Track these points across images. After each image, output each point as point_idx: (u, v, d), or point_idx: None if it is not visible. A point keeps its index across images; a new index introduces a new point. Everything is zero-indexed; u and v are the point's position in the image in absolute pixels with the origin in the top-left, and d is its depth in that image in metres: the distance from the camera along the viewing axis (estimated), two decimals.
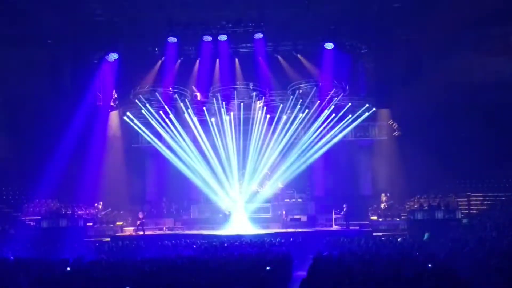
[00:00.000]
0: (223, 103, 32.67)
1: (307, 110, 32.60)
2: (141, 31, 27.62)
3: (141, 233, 30.31)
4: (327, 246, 23.27)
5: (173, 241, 25.88)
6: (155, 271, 15.08)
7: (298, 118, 32.69)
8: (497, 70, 29.60)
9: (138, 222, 30.80)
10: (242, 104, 33.14)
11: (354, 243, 23.24)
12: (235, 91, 32.66)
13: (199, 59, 30.64)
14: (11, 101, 30.77)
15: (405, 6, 26.94)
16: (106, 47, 28.33)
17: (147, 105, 31.98)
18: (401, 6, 26.91)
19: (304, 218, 32.19)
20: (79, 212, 31.99)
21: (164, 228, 32.00)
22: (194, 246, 24.08)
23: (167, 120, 32.48)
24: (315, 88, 32.10)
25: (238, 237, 27.20)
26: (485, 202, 30.76)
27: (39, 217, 31.18)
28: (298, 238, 26.81)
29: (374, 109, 30.90)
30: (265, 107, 33.07)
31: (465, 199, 31.60)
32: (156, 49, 29.80)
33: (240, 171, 33.43)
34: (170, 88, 32.17)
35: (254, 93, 32.75)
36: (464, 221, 28.21)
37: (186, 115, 32.56)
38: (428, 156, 30.49)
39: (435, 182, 31.99)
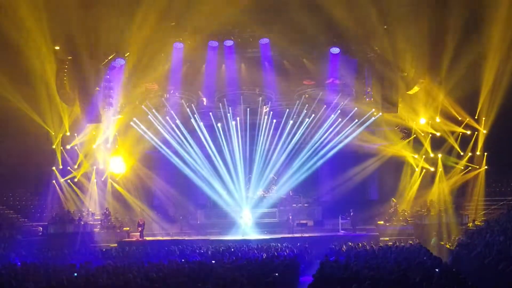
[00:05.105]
0: (230, 108, 32.73)
1: (313, 115, 32.59)
2: (147, 36, 27.59)
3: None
4: (334, 251, 23.21)
5: (180, 246, 25.93)
6: (162, 276, 15.10)
7: (305, 123, 32.71)
8: None
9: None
10: (248, 109, 33.19)
11: (361, 248, 23.20)
12: (241, 96, 32.71)
13: (205, 64, 30.62)
14: (16, 105, 30.84)
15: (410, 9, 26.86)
16: (113, 53, 28.33)
17: (154, 110, 32.06)
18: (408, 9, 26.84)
19: (310, 223, 32.17)
20: (86, 217, 32.05)
21: (171, 233, 32.00)
22: (201, 251, 24.09)
23: (173, 125, 32.54)
24: (321, 93, 32.12)
25: (245, 242, 27.21)
26: (493, 207, 30.65)
27: (46, 223, 31.30)
28: (305, 243, 26.80)
29: (380, 114, 30.84)
30: (271, 112, 33.13)
31: (473, 204, 31.54)
32: (163, 55, 29.79)
33: (247, 176, 33.45)
34: (177, 94, 32.24)
35: (260, 98, 32.80)
36: (471, 225, 28.10)
37: (192, 120, 32.62)
38: None
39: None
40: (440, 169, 32.28)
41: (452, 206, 30.15)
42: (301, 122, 32.84)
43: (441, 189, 31.69)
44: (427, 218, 29.83)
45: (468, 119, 31.01)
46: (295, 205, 33.54)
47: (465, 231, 27.62)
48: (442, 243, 26.50)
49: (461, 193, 31.69)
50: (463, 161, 32.14)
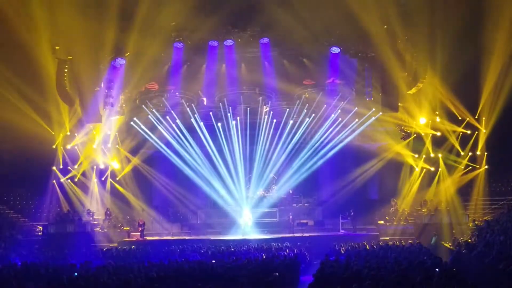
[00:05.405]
0: (230, 108, 32.72)
1: (313, 115, 32.59)
2: (147, 36, 27.59)
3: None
4: (334, 251, 23.20)
5: (180, 246, 25.92)
6: (162, 276, 15.10)
7: (305, 123, 32.69)
8: None
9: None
10: (248, 109, 33.18)
11: (361, 248, 23.19)
12: (241, 96, 32.71)
13: (205, 64, 30.63)
14: (16, 105, 30.83)
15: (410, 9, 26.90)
16: (114, 53, 28.33)
17: (154, 110, 32.07)
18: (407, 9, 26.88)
19: (311, 222, 32.11)
20: (86, 217, 32.03)
21: (171, 233, 31.98)
22: (201, 251, 24.09)
23: (173, 125, 32.54)
24: (321, 92, 32.13)
25: (245, 241, 27.19)
26: (493, 206, 30.64)
27: (46, 223, 31.29)
28: (305, 243, 26.79)
29: (380, 113, 30.82)
30: (271, 112, 33.12)
31: (473, 203, 31.51)
32: (163, 54, 29.80)
33: (247, 176, 33.44)
34: (177, 93, 32.23)
35: (261, 98, 32.80)
36: (471, 225, 28.10)
37: (192, 120, 32.62)
38: None
39: None
40: (441, 168, 32.27)
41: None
42: (301, 122, 32.80)
43: (444, 188, 31.66)
44: (427, 218, 29.83)
45: (468, 119, 31.01)
46: (295, 204, 33.50)
47: (465, 230, 27.64)
48: (443, 242, 26.48)
49: (461, 192, 31.65)
50: (464, 161, 32.10)
